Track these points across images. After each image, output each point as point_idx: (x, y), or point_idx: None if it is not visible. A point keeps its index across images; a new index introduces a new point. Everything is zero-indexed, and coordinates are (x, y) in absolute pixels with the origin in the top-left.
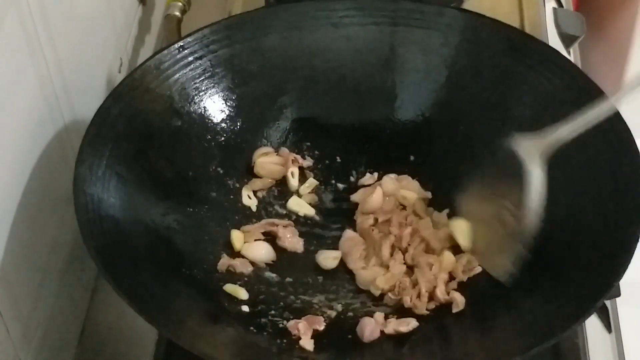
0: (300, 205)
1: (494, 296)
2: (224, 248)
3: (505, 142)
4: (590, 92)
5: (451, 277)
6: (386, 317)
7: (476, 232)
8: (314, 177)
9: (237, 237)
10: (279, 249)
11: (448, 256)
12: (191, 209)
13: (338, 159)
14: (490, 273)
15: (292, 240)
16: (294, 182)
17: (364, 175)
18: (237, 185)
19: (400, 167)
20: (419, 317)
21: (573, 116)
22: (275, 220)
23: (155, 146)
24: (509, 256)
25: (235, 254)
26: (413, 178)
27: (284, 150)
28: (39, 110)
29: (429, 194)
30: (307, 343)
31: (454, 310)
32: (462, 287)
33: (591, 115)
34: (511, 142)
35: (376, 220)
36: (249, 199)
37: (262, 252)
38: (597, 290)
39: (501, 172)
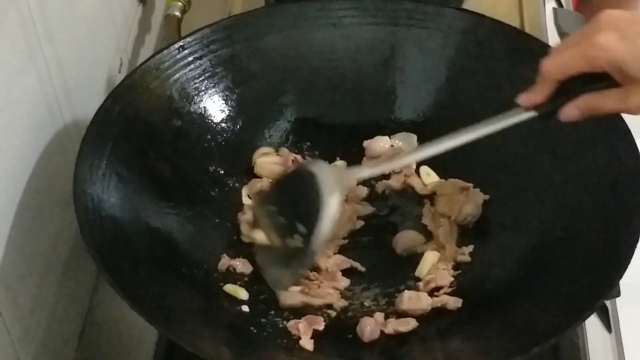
0: None
1: (494, 296)
2: (224, 248)
3: (310, 167)
4: None
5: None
6: (386, 317)
7: (262, 243)
8: None
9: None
10: None
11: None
12: (191, 209)
13: (338, 159)
14: (268, 284)
15: None
16: None
17: None
18: (237, 185)
19: None
20: (418, 318)
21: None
22: None
23: (155, 146)
24: (289, 273)
25: (235, 254)
26: None
27: (284, 150)
28: (39, 110)
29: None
30: (307, 343)
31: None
32: (462, 287)
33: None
34: (315, 167)
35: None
36: (249, 199)
37: None
38: (597, 290)
39: (302, 193)
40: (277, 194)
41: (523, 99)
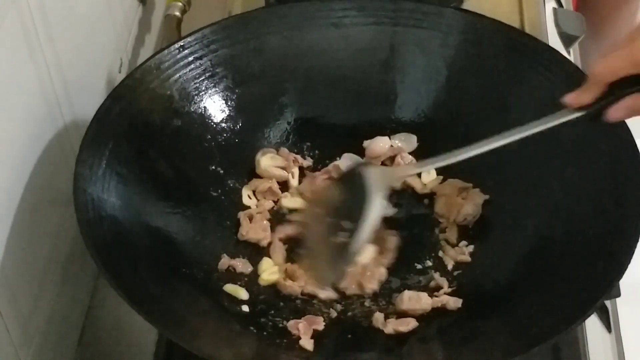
0: (295, 202)
1: (494, 296)
2: (224, 248)
3: (359, 167)
4: None
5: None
6: (386, 317)
7: (310, 242)
8: None
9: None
10: None
11: None
12: (191, 209)
13: (338, 159)
14: (314, 280)
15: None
16: (294, 182)
17: None
18: (237, 185)
19: None
20: (418, 318)
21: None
22: None
23: (155, 146)
24: (333, 269)
25: (235, 254)
26: None
27: (284, 150)
28: (39, 110)
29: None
30: (307, 343)
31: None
32: (462, 287)
33: (453, 155)
34: (363, 167)
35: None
36: (249, 199)
37: None
38: (597, 290)
39: (350, 193)
40: (325, 198)
41: (571, 99)
